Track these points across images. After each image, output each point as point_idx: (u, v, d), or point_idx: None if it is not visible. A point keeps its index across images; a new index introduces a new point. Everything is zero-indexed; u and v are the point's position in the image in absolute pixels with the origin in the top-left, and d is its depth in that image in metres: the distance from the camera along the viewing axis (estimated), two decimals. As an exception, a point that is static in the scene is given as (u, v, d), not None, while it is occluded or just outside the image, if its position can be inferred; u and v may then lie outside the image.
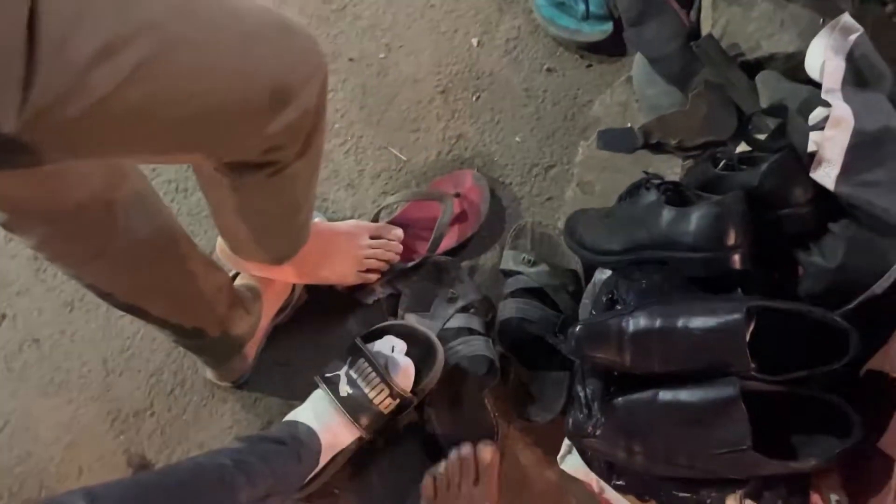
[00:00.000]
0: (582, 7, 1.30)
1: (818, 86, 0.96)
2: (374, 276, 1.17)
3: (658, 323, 0.86)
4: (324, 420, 1.01)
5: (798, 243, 0.91)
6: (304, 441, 0.99)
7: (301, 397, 1.07)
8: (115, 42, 0.53)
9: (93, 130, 0.57)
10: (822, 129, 0.87)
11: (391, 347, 1.05)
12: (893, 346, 0.82)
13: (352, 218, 1.26)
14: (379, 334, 1.08)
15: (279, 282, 1.13)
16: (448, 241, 1.21)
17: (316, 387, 1.04)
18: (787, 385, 0.84)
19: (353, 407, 1.01)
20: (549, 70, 1.33)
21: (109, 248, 0.84)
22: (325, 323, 1.19)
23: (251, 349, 1.13)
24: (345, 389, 1.01)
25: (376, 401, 1.01)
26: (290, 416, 1.05)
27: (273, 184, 0.76)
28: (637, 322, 0.88)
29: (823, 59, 0.93)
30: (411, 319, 1.15)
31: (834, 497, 0.87)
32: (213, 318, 1.01)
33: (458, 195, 1.23)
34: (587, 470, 0.98)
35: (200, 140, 0.67)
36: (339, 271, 1.12)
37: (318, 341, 1.18)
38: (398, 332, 1.07)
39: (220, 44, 0.61)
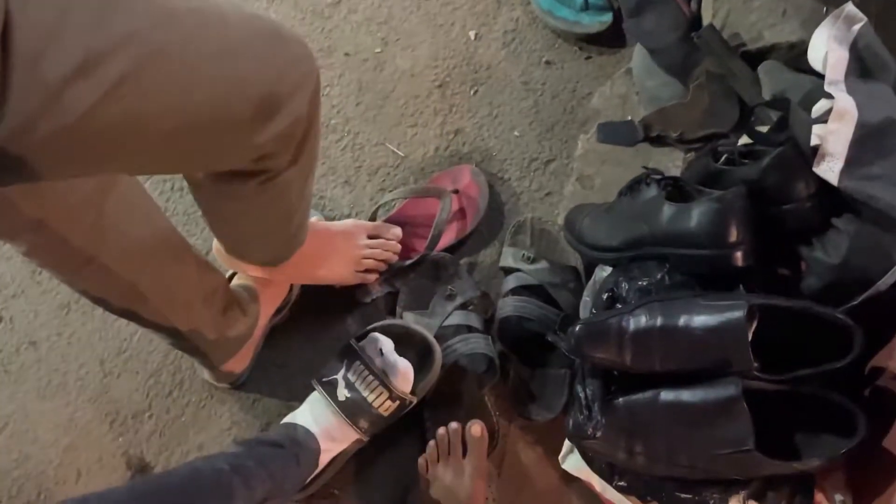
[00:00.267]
0: (580, -2, 1.28)
1: (823, 77, 0.94)
2: (372, 276, 1.15)
3: (659, 321, 0.85)
4: (322, 423, 1.00)
5: (800, 239, 0.89)
6: (302, 444, 0.98)
7: (300, 398, 1.07)
8: (93, 58, 0.51)
9: (75, 148, 0.55)
10: (825, 122, 0.85)
11: (378, 348, 1.03)
12: (898, 343, 0.81)
13: (349, 215, 1.24)
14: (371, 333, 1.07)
15: (277, 282, 1.12)
16: (446, 238, 1.20)
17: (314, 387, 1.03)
18: (789, 384, 0.83)
19: (352, 411, 1.00)
20: (547, 62, 1.31)
21: (101, 254, 0.83)
22: (322, 322, 1.18)
23: (249, 350, 1.12)
24: (343, 394, 1.00)
25: (375, 404, 1.00)
26: (289, 419, 1.04)
27: (266, 191, 0.75)
28: (637, 321, 0.86)
29: (826, 49, 0.91)
30: (409, 318, 1.14)
31: (838, 497, 0.86)
32: (209, 321, 1.00)
33: (456, 191, 1.21)
34: (589, 470, 0.97)
35: (187, 153, 0.66)
36: (337, 272, 1.11)
37: (315, 341, 1.17)
38: (391, 332, 1.06)
39: (204, 54, 0.60)
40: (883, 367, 0.82)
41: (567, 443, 1.02)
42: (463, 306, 1.14)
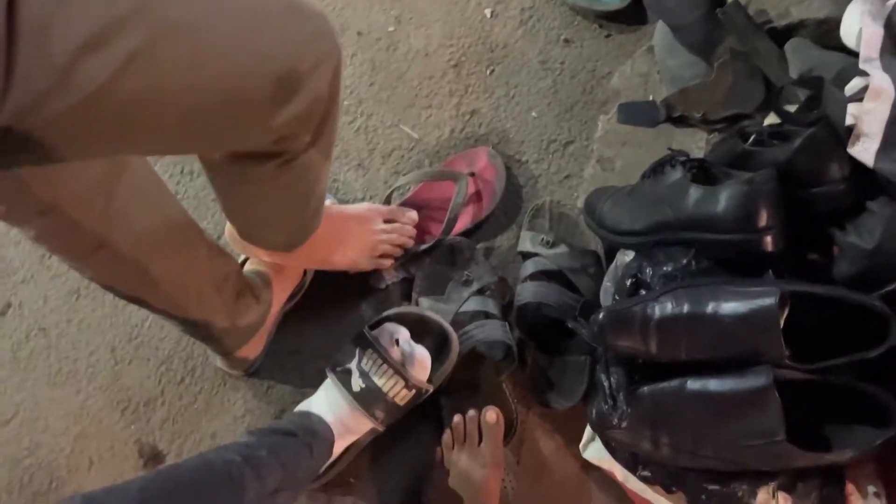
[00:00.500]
0: (600, -26, 1.25)
1: (853, 54, 0.91)
2: (387, 262, 1.13)
3: (686, 309, 0.82)
4: (337, 412, 0.98)
5: (833, 223, 0.86)
6: (316, 433, 0.96)
7: (313, 385, 1.05)
8: (104, 31, 0.49)
9: (86, 128, 0.53)
10: (859, 100, 0.82)
11: (395, 338, 1.01)
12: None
13: (363, 199, 1.22)
14: (386, 322, 1.05)
15: (290, 267, 1.10)
16: (462, 222, 1.17)
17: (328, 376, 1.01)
18: (821, 373, 0.80)
19: (367, 400, 0.98)
20: (566, 41, 1.28)
21: (110, 240, 0.81)
22: (336, 309, 1.16)
23: (262, 337, 1.10)
24: (357, 383, 0.98)
25: (391, 393, 0.98)
26: (303, 406, 1.02)
27: (283, 174, 0.72)
28: (663, 308, 0.84)
29: (860, 25, 0.88)
30: (425, 303, 1.12)
31: (871, 488, 0.84)
32: (221, 308, 0.98)
33: (472, 174, 1.18)
34: (610, 459, 0.95)
35: (204, 133, 0.63)
36: (352, 257, 1.08)
37: (329, 328, 1.15)
38: (406, 320, 1.04)
39: (220, 29, 0.57)
40: (919, 355, 0.79)
41: (587, 431, 1.01)
42: (480, 292, 1.12)
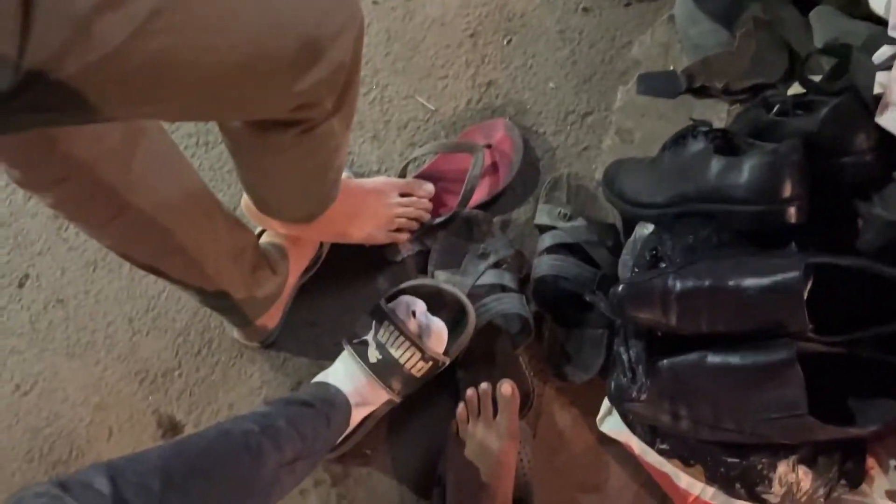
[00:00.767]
0: (620, -59, 1.22)
1: (881, 22, 0.89)
2: (403, 236, 1.13)
3: (707, 282, 0.81)
4: (354, 383, 0.98)
5: (858, 194, 0.84)
6: (333, 404, 0.96)
7: (330, 357, 1.05)
8: None
9: (105, 89, 0.52)
10: (889, 68, 0.80)
11: (411, 310, 1.01)
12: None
13: (378, 171, 1.21)
14: (403, 294, 1.04)
15: (306, 240, 1.09)
16: (479, 195, 1.16)
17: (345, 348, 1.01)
18: (845, 346, 0.79)
19: (384, 372, 0.98)
20: (584, 10, 1.25)
21: (128, 208, 0.80)
22: (352, 281, 1.16)
23: (278, 309, 1.10)
24: (374, 355, 0.98)
25: (408, 365, 0.98)
26: (320, 377, 1.02)
27: (303, 143, 0.72)
28: (685, 281, 0.83)
29: (891, -8, 0.86)
30: (441, 276, 1.11)
31: (892, 462, 0.83)
32: (238, 280, 0.98)
33: (489, 146, 1.17)
34: (628, 432, 0.94)
35: (225, 98, 0.62)
36: (368, 230, 1.08)
37: (345, 300, 1.15)
38: (422, 292, 1.03)
39: None
40: (945, 329, 0.78)
41: (605, 404, 1.00)
42: (496, 265, 1.11)
